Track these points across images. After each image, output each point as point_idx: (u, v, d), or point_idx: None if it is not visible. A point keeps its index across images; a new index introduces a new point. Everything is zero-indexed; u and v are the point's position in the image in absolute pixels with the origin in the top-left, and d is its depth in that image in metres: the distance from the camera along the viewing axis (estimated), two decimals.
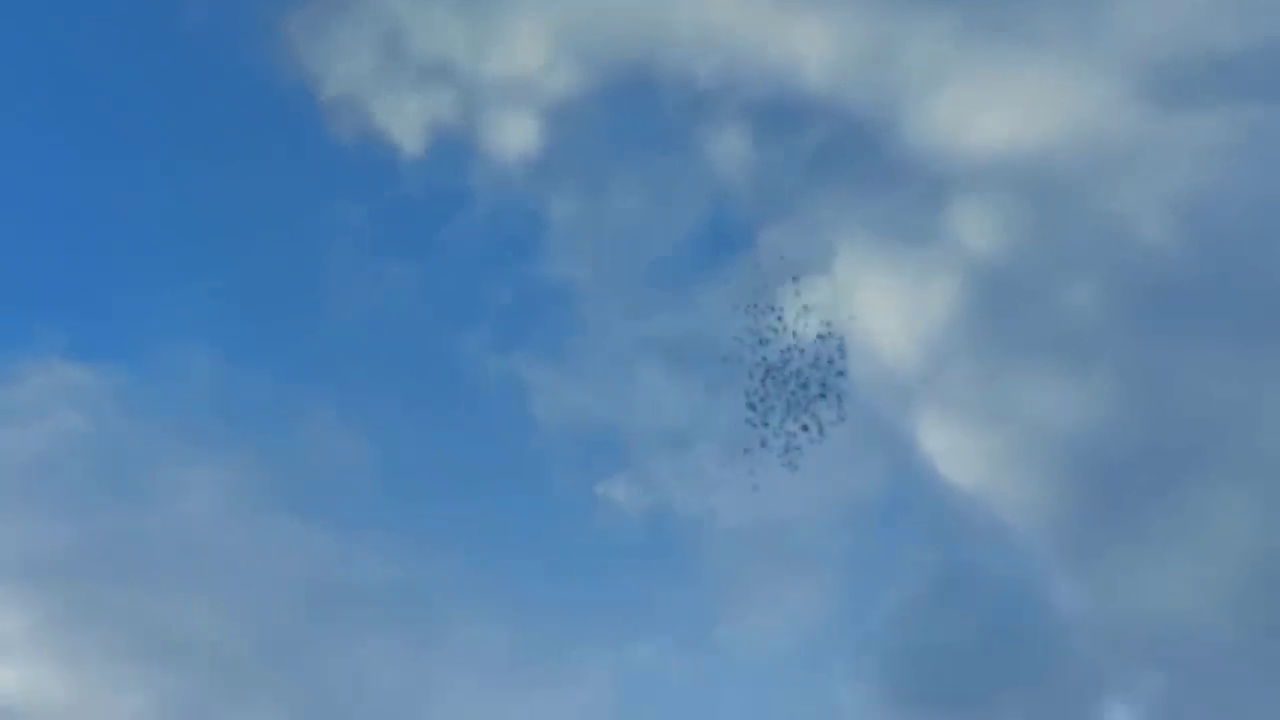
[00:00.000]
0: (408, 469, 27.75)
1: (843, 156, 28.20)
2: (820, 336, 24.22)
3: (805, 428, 24.03)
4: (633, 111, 28.55)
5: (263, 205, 29.05)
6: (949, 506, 26.76)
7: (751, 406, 24.14)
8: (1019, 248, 28.05)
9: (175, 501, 27.36)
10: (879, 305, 27.81)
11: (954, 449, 27.08)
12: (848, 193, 28.12)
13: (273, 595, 26.89)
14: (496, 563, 26.82)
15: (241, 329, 28.47)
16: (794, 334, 24.43)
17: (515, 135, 28.46)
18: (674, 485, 26.66)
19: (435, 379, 28.33)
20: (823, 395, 24.04)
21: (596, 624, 26.29)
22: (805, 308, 24.30)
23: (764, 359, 24.21)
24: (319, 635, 26.65)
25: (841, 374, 24.14)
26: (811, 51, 28.13)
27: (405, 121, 28.46)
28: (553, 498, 27.02)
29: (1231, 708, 24.09)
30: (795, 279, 25.18)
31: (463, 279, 28.69)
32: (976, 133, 28.23)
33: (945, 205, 28.00)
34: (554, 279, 28.24)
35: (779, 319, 24.32)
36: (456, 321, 28.41)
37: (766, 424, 24.01)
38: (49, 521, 26.63)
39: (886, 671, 25.50)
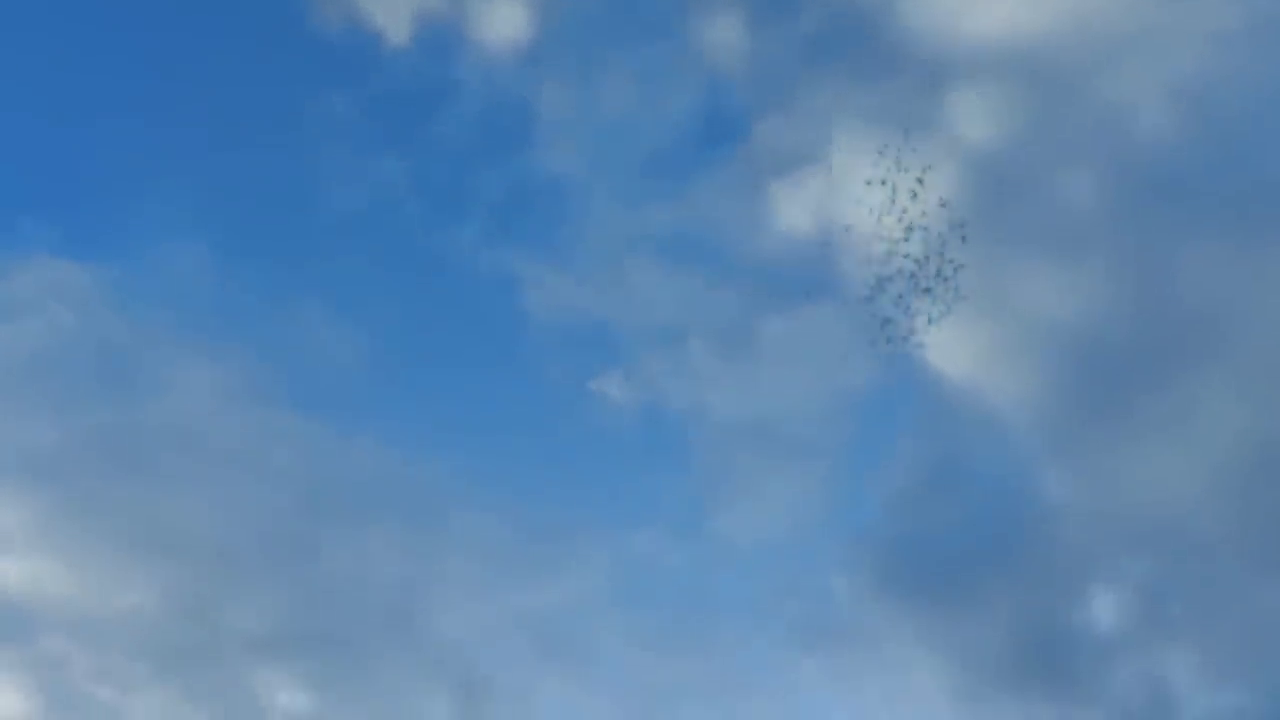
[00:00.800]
0: (402, 363, 27.87)
1: (839, 43, 27.75)
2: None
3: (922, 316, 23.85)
4: (623, 2, 28.01)
5: (249, 99, 28.66)
6: (941, 397, 26.91)
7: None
8: (1016, 137, 27.73)
9: (170, 396, 27.52)
10: (871, 198, 27.57)
11: (946, 340, 27.10)
12: (844, 81, 27.71)
13: (271, 488, 27.20)
14: (492, 455, 27.12)
15: (231, 224, 28.33)
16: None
17: (504, 25, 27.95)
18: (668, 380, 26.81)
19: (427, 273, 28.28)
20: (928, 290, 23.82)
21: (592, 514, 26.69)
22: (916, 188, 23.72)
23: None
24: (318, 526, 27.03)
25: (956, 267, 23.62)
26: None
27: (392, 10, 27.92)
28: (547, 392, 27.19)
29: (1215, 592, 24.57)
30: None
31: (453, 172, 28.45)
32: (975, 19, 27.70)
33: (943, 94, 27.59)
34: (546, 172, 28.00)
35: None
36: (447, 215, 28.26)
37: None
38: (45, 417, 26.81)
39: (877, 560, 25.95)
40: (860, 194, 27.91)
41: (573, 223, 27.69)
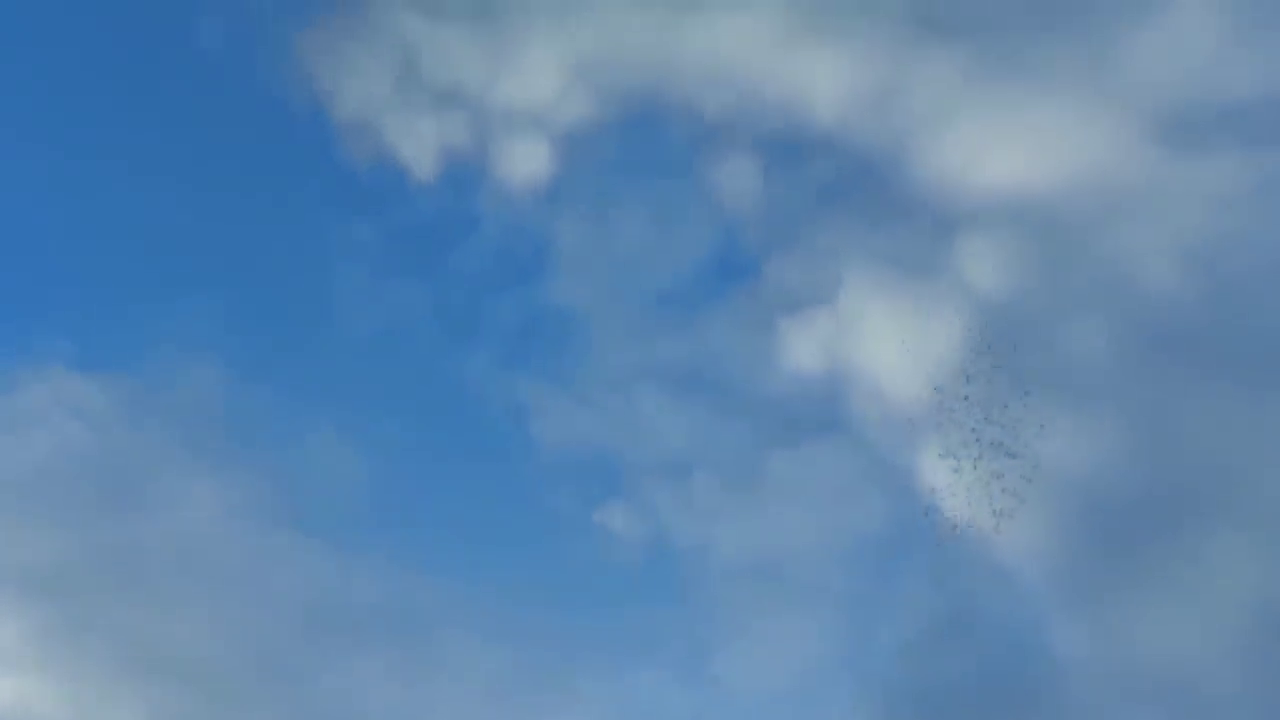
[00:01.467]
0: (408, 489, 27.79)
1: (850, 191, 28.35)
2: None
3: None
4: (642, 141, 28.74)
5: (273, 222, 29.22)
6: (951, 544, 26.69)
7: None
8: (1024, 287, 28.11)
9: (175, 514, 27.40)
10: (882, 339, 27.88)
11: (954, 487, 27.05)
12: (854, 226, 28.25)
13: (269, 612, 26.87)
14: (493, 586, 26.81)
15: (247, 344, 28.58)
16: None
17: (525, 161, 28.63)
18: (673, 514, 26.65)
19: (439, 399, 28.41)
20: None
21: (593, 652, 26.24)
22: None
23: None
24: (314, 654, 26.62)
25: None
26: (821, 86, 28.32)
27: (418, 145, 28.65)
28: (551, 522, 27.02)
29: None
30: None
31: (469, 301, 28.80)
32: (984, 171, 28.34)
33: (951, 242, 28.10)
34: (560, 304, 28.34)
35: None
36: (462, 342, 28.52)
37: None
38: (48, 532, 26.66)
39: (885, 710, 25.39)
40: (868, 335, 28.22)
41: (583, 353, 27.93)
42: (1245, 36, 27.45)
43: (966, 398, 27.12)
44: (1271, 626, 24.75)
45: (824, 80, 28.42)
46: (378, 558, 27.01)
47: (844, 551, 26.85)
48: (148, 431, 27.49)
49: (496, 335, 28.38)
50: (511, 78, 29.05)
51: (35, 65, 29.25)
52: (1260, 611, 24.90)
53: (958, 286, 27.94)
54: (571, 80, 28.75)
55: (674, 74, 28.66)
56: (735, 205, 28.47)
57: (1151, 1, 27.77)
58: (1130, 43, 28.05)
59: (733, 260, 28.19)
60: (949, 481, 27.18)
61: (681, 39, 28.89)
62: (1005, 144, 28.19)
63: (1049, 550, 26.63)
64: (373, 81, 28.85)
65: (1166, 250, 27.65)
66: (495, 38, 28.78)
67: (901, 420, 27.22)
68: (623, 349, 27.85)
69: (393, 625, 26.68)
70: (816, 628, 26.29)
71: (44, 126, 28.98)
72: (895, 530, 27.00)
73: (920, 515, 26.83)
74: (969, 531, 26.94)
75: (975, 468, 26.79)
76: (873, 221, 28.01)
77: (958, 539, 26.95)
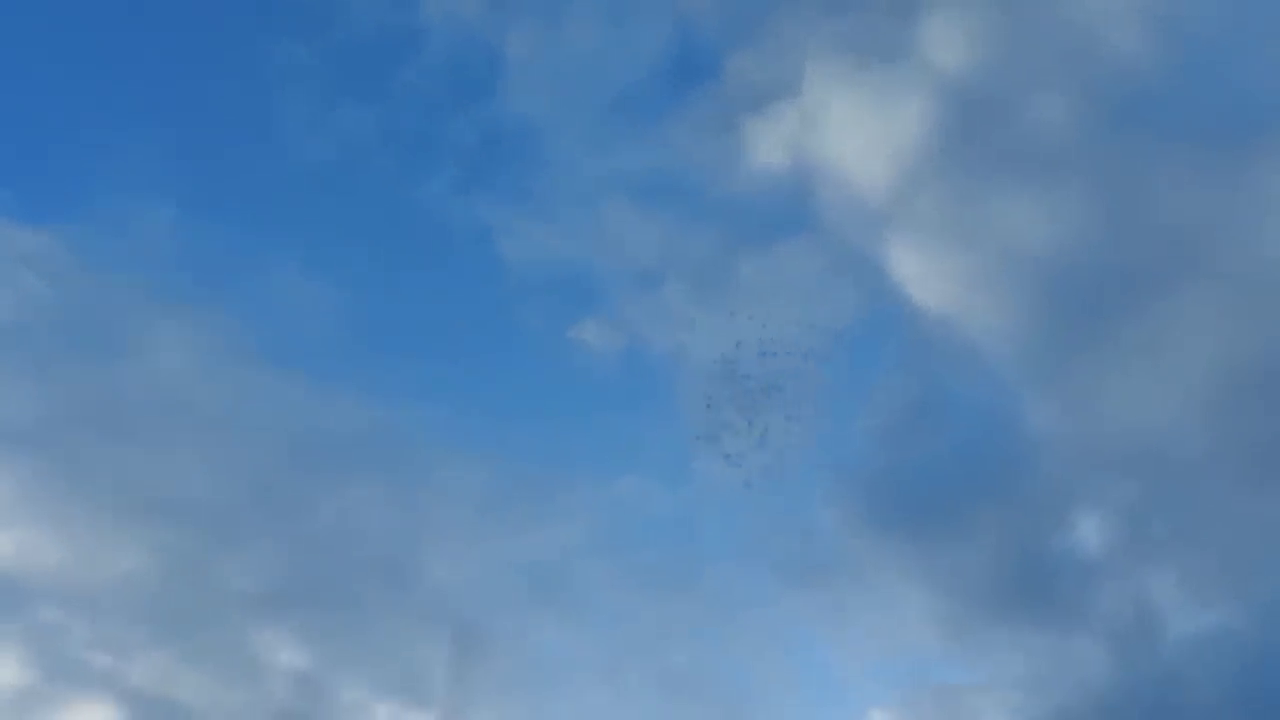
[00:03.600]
0: (378, 316, 27.75)
1: None
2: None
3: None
4: None
5: (209, 53, 28.15)
6: (921, 330, 27.00)
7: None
8: (988, 63, 27.52)
9: (147, 358, 27.36)
10: (848, 130, 27.42)
11: (925, 273, 27.13)
12: (813, 14, 27.39)
13: (254, 446, 27.17)
14: (475, 406, 27.14)
15: (196, 182, 27.97)
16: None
17: None
18: (647, 324, 26.75)
19: (399, 224, 28.06)
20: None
21: (578, 460, 26.81)
22: None
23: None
24: (303, 483, 27.06)
25: None
26: None
27: None
28: (527, 340, 27.15)
29: (1198, 512, 24.92)
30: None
31: (421, 121, 28.09)
32: None
33: (913, 23, 27.33)
34: (515, 117, 27.66)
35: None
36: (417, 165, 27.96)
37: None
38: (24, 385, 26.62)
39: (862, 494, 26.16)
40: (834, 127, 27.73)
41: (545, 168, 27.45)
42: None
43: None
44: (1238, 386, 25.35)
45: None
46: (357, 386, 27.21)
47: (816, 345, 27.10)
48: (107, 279, 27.18)
49: (452, 155, 27.83)
50: None
51: None
52: (1226, 372, 25.45)
53: (921, 68, 27.35)
54: None
55: None
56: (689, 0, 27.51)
57: None
58: None
59: (691, 59, 27.47)
60: (918, 269, 27.26)
61: None
62: None
63: (1016, 328, 26.95)
64: None
65: (1127, 15, 27.00)
66: None
67: (870, 212, 27.12)
68: (584, 161, 27.40)
69: (380, 451, 27.09)
70: (793, 420, 26.78)
71: None
72: (866, 321, 27.23)
73: (891, 304, 27.03)
74: (937, 315, 27.20)
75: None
76: (832, 7, 27.18)
77: (927, 323, 27.23)
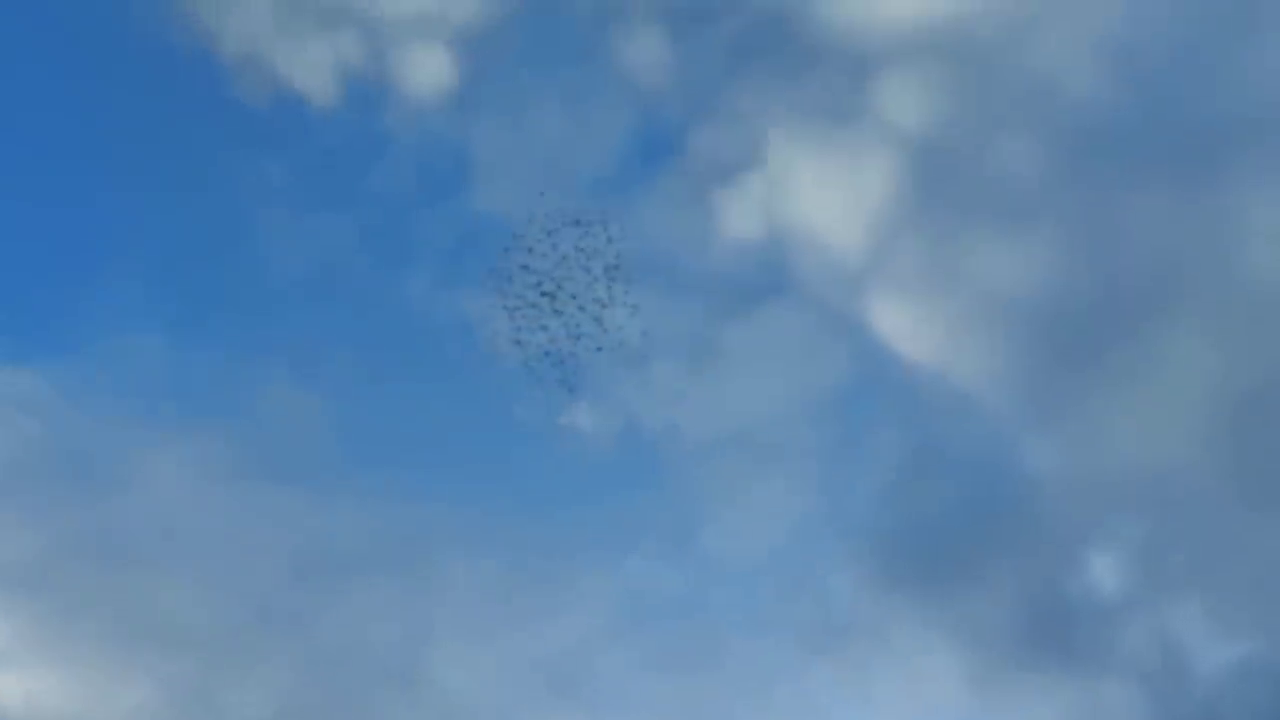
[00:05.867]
0: (370, 421, 27.62)
1: (762, 46, 27.76)
2: None
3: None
4: (544, 29, 27.91)
5: (180, 177, 28.35)
6: (911, 384, 26.99)
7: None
8: (948, 115, 27.85)
9: (144, 489, 27.16)
10: (816, 193, 27.65)
11: (908, 327, 27.21)
12: (771, 83, 27.74)
13: (257, 566, 26.91)
14: (474, 503, 26.89)
15: (179, 308, 28.00)
16: None
17: (427, 70, 27.80)
18: (637, 402, 26.66)
19: (383, 327, 28.05)
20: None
21: (583, 548, 26.51)
22: None
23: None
24: (309, 598, 26.76)
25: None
26: None
27: (313, 71, 27.71)
28: (519, 431, 26.97)
29: (1213, 541, 24.72)
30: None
31: (395, 223, 28.24)
32: (892, 4, 27.80)
33: (869, 84, 27.70)
34: (488, 211, 27.79)
35: None
36: (396, 266, 28.03)
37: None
38: (22, 527, 26.41)
39: (873, 555, 25.95)
40: (801, 191, 27.97)
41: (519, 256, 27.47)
42: None
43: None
44: (1236, 410, 25.32)
45: None
46: (354, 494, 27.01)
47: (809, 409, 27.08)
48: (99, 413, 27.10)
49: (429, 254, 27.93)
50: None
51: None
52: (1220, 400, 25.44)
53: (881, 126, 27.67)
54: None
55: None
56: (649, 80, 27.87)
57: None
58: None
59: (655, 138, 27.71)
60: (901, 323, 27.34)
61: None
62: None
63: (1008, 372, 26.97)
64: (256, 13, 27.76)
65: (1081, 55, 27.40)
66: None
67: (846, 271, 27.23)
68: (560, 246, 27.45)
69: (382, 557, 26.82)
70: (795, 487, 26.67)
71: None
72: (856, 379, 27.22)
73: (878, 362, 27.05)
74: (924, 367, 27.21)
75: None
76: (789, 75, 27.54)
77: (915, 376, 27.23)
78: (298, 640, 26.41)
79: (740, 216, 27.24)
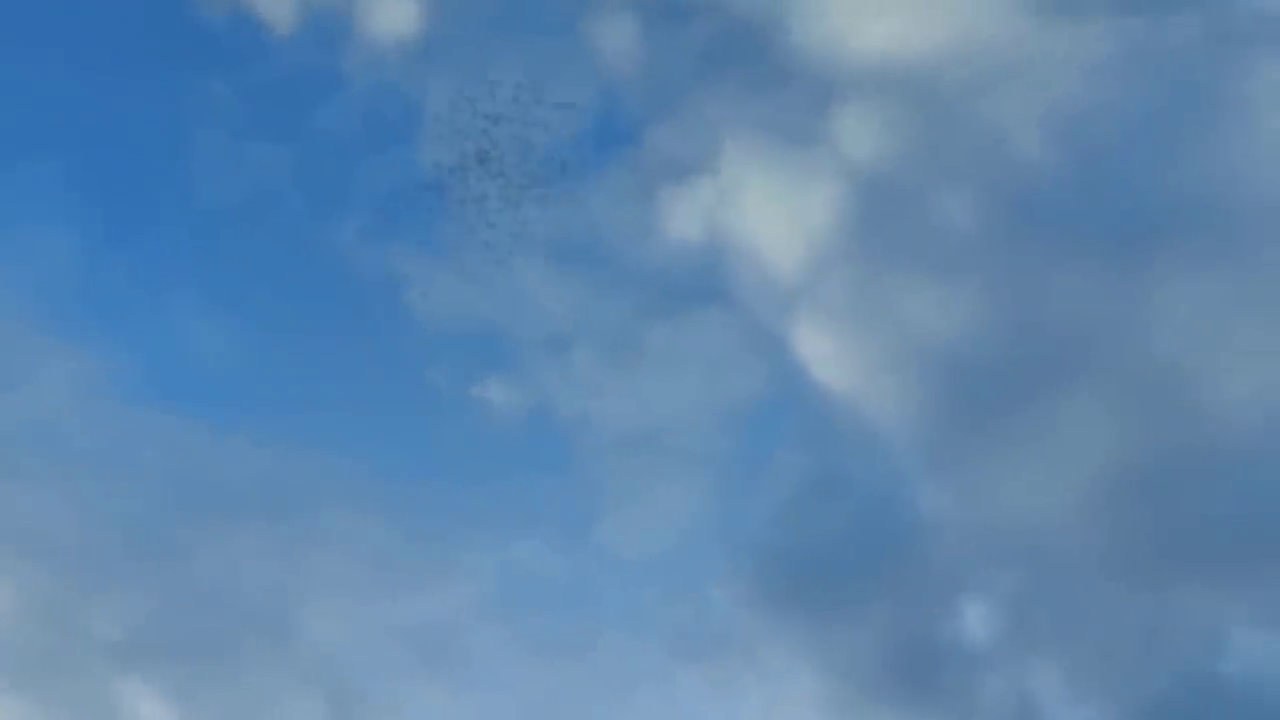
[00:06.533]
0: (277, 359, 27.06)
1: (731, 56, 27.84)
2: None
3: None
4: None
5: (122, 83, 27.36)
6: (823, 410, 27.35)
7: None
8: (898, 155, 28.27)
9: (31, 392, 26.26)
10: (761, 209, 27.84)
11: (829, 354, 27.57)
12: (735, 93, 27.86)
13: (136, 490, 26.21)
14: (371, 460, 26.54)
15: (99, 212, 27.06)
16: None
17: (393, 19, 27.28)
18: (553, 387, 26.58)
19: (307, 269, 27.49)
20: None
21: (475, 523, 26.34)
22: None
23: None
24: (186, 532, 26.13)
25: None
26: None
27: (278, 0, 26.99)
28: (429, 396, 26.70)
29: (1079, 607, 25.53)
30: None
31: (336, 166, 27.68)
32: (862, 36, 28.10)
33: (829, 111, 27.97)
34: (431, 170, 27.40)
35: None
36: (329, 210, 27.49)
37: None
38: None
39: (757, 571, 26.24)
40: (748, 204, 28.13)
41: (458, 221, 27.19)
42: None
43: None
44: (1123, 485, 26.16)
45: None
46: (249, 433, 26.44)
47: (720, 418, 27.28)
48: None
49: (365, 202, 27.44)
50: None
51: None
52: (1112, 470, 26.26)
53: (834, 156, 27.96)
54: None
55: None
56: (615, 68, 27.75)
57: None
58: None
59: (612, 126, 27.60)
60: (824, 349, 27.67)
61: None
62: (883, 11, 27.93)
63: (914, 414, 27.49)
64: None
65: (1036, 120, 28.01)
66: None
67: (779, 289, 27.48)
68: (499, 218, 27.20)
69: (267, 502, 26.32)
70: (693, 495, 26.84)
71: None
72: (770, 396, 27.50)
73: (795, 383, 27.35)
74: (839, 396, 27.60)
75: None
76: (753, 89, 27.67)
77: (828, 403, 27.61)
78: (167, 570, 25.81)
79: (684, 218, 27.34)
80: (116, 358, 26.24)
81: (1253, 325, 26.33)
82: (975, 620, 26.03)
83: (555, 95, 27.34)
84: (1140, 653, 24.41)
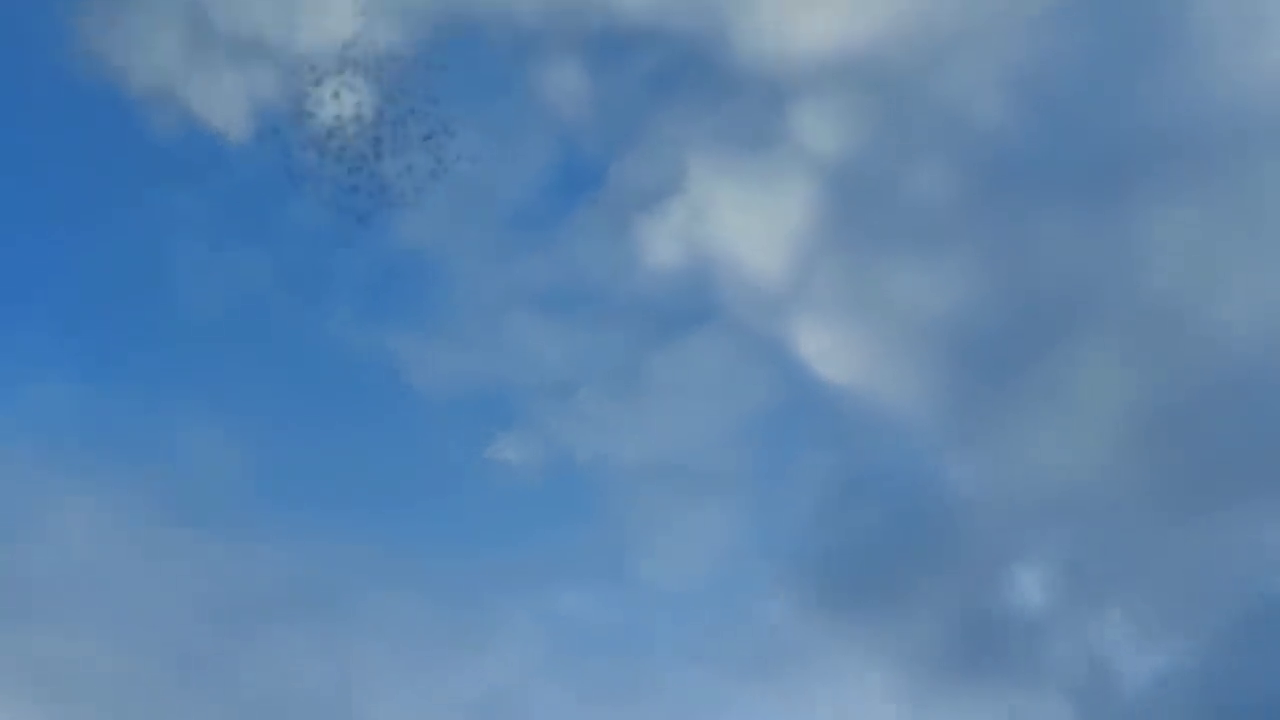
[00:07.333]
0: (291, 461, 27.00)
1: (679, 77, 28.03)
2: None
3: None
4: (461, 63, 27.80)
5: (91, 214, 27.52)
6: (836, 407, 27.25)
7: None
8: (863, 142, 28.36)
9: (54, 536, 26.13)
10: (736, 220, 27.91)
11: (831, 350, 27.51)
12: (689, 112, 28.01)
13: (173, 611, 26.00)
14: (400, 542, 26.39)
15: (91, 345, 27.12)
16: None
17: (343, 104, 27.44)
18: (565, 433, 26.49)
19: (302, 364, 27.50)
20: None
21: (513, 582, 26.16)
22: None
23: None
24: (228, 643, 25.91)
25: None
26: None
27: (226, 106, 27.21)
28: (445, 466, 26.61)
29: (1134, 551, 25.29)
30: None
31: (313, 259, 27.78)
32: (805, 35, 28.29)
33: (785, 111, 28.10)
34: (409, 245, 27.53)
35: None
36: (315, 302, 27.55)
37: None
38: None
39: (804, 579, 26.03)
40: (722, 218, 28.19)
41: (444, 291, 27.29)
42: None
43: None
44: (1147, 426, 26.00)
45: None
46: (275, 536, 26.30)
47: (736, 434, 27.17)
48: (4, 457, 26.02)
49: (349, 289, 27.51)
50: (308, 19, 27.67)
51: None
52: (1134, 414, 26.11)
53: (799, 154, 28.05)
54: (373, 12, 27.54)
55: None
56: (569, 112, 27.92)
57: None
58: None
59: (576, 169, 27.72)
60: (824, 346, 27.61)
61: None
62: (820, 4, 28.13)
63: (929, 393, 27.39)
64: (165, 48, 27.21)
65: (991, 82, 28.14)
66: None
67: (769, 295, 27.46)
68: (483, 279, 27.30)
69: (304, 599, 26.13)
70: (725, 515, 26.69)
71: None
72: (781, 403, 27.40)
73: (803, 386, 27.26)
74: (848, 390, 27.50)
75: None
76: (707, 104, 27.82)
77: (839, 399, 27.51)
78: (217, 688, 25.55)
79: (662, 244, 27.40)
80: (131, 486, 26.20)
81: (1239, 244, 26.32)
82: (1030, 585, 25.80)
83: (515, 151, 27.54)
84: (1200, 585, 24.16)
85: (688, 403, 26.93)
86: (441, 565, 26.08)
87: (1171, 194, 26.81)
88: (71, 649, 25.48)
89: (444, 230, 27.14)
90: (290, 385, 27.11)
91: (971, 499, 26.78)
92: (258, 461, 26.57)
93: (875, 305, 27.85)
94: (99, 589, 25.67)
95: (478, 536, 26.34)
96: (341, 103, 27.51)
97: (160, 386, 26.76)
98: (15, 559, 25.52)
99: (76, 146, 27.56)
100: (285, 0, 27.69)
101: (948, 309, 27.55)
